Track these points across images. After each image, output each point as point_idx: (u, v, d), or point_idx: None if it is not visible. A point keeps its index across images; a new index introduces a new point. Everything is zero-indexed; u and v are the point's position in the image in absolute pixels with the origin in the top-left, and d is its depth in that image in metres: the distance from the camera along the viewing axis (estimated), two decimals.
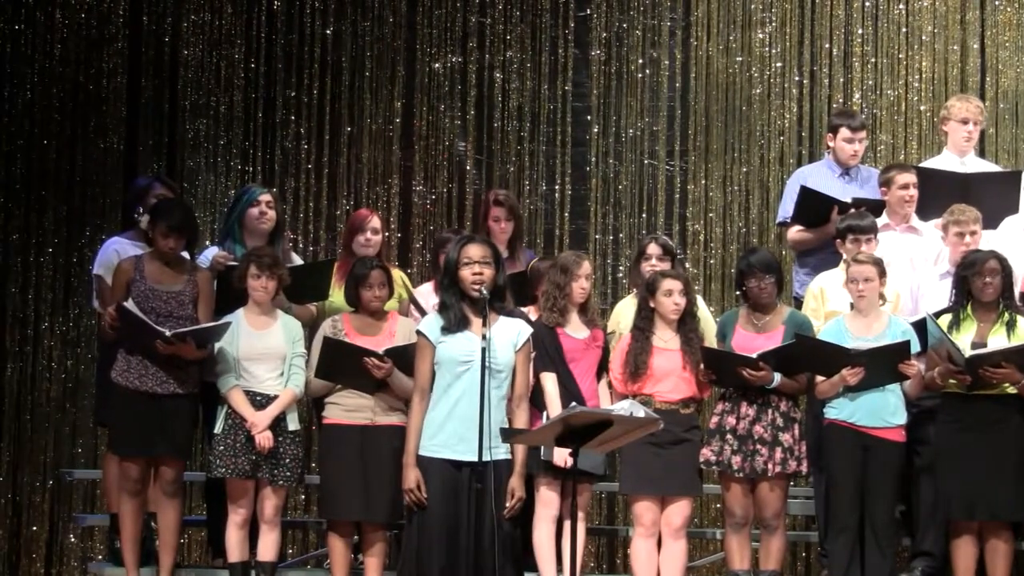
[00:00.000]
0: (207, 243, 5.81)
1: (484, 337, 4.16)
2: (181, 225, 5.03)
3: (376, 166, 7.05)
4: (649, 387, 4.96)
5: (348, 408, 4.96)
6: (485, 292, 4.23)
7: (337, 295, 5.33)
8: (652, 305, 5.03)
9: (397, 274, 5.45)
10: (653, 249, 5.30)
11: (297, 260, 5.59)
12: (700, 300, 5.39)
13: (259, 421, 4.89)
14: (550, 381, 4.90)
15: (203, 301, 5.07)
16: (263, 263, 4.96)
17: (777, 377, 4.90)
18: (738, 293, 5.21)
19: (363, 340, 4.97)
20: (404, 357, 4.81)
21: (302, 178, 7.04)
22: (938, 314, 4.94)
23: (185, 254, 5.16)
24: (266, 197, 5.37)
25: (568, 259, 5.07)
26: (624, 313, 5.30)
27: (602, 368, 5.06)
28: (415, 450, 4.29)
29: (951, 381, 4.89)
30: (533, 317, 5.05)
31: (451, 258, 4.35)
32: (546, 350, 4.89)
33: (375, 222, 5.49)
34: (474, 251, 4.33)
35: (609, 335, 5.25)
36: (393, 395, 4.96)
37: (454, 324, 4.30)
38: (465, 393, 4.25)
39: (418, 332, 4.39)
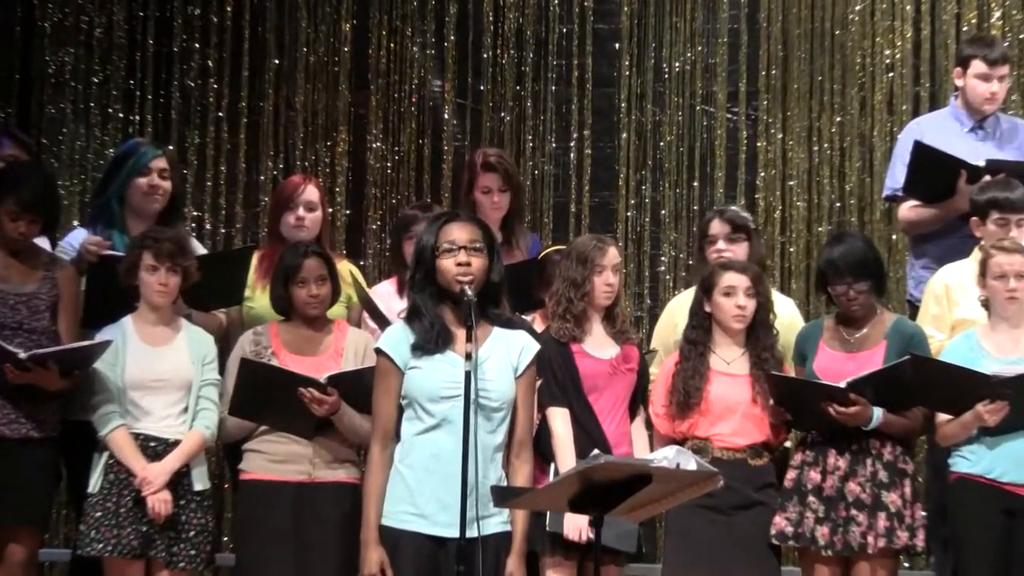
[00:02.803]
0: (74, 224, 5.87)
1: (469, 358, 4.12)
2: (36, 201, 5.01)
3: (315, 114, 7.03)
4: (705, 427, 4.97)
5: (276, 458, 4.97)
6: (471, 293, 4.19)
7: (260, 298, 5.33)
8: (708, 309, 5.05)
9: (345, 267, 5.44)
10: (718, 228, 5.31)
11: (199, 249, 5.52)
12: (783, 301, 5.41)
13: (153, 477, 4.88)
14: (560, 419, 4.89)
15: (66, 308, 5.06)
16: (163, 251, 4.93)
17: (878, 414, 4.91)
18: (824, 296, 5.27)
19: (298, 361, 4.98)
20: (357, 386, 4.81)
21: (210, 131, 7.01)
22: None
23: (42, 241, 5.16)
24: (159, 163, 5.36)
25: (587, 246, 5.06)
26: (681, 314, 5.30)
27: (637, 400, 5.06)
28: (376, 521, 4.26)
29: None
30: (539, 328, 5.04)
31: (425, 244, 4.31)
32: (555, 375, 4.90)
33: (311, 193, 5.48)
34: (459, 233, 4.28)
35: (648, 354, 5.27)
36: (340, 440, 4.98)
37: (430, 340, 4.26)
38: (448, 439, 4.22)
39: (378, 351, 4.34)
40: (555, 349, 4.91)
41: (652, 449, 4.86)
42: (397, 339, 4.31)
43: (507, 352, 4.32)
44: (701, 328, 5.06)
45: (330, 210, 5.99)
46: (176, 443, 4.95)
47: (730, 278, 5.02)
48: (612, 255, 5.04)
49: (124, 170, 5.34)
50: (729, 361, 5.04)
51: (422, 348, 4.26)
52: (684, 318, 5.23)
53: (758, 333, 5.05)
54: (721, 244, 5.32)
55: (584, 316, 4.98)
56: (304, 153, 7.04)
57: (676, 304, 5.57)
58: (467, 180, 5.73)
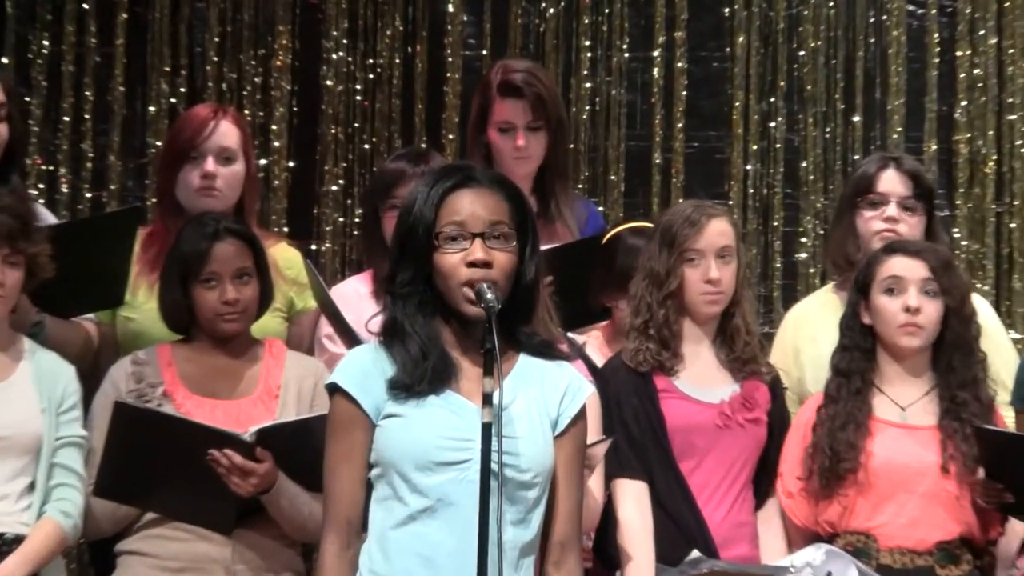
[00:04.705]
0: None
1: (489, 402, 3.94)
2: None
3: (238, 6, 7.08)
4: (866, 513, 4.95)
5: (173, 565, 4.97)
6: (493, 298, 4.00)
7: (144, 303, 5.37)
8: (868, 320, 5.03)
9: (284, 254, 5.54)
10: (888, 183, 5.36)
11: (49, 218, 5.55)
12: (987, 311, 5.46)
13: None
14: (634, 500, 4.94)
15: None
16: None
17: None
18: None
19: (206, 407, 5.02)
20: (302, 446, 4.76)
21: (68, 34, 7.03)
22: None
23: None
24: None
25: (677, 218, 5.07)
26: (806, 329, 5.47)
27: (769, 471, 5.09)
28: None
29: None
30: (599, 357, 5.12)
31: (416, 221, 4.14)
32: (627, 428, 4.97)
33: (226, 134, 5.47)
34: (472, 206, 4.12)
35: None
36: (276, 534, 5.00)
37: (420, 375, 4.11)
38: (447, 533, 4.08)
39: (332, 389, 4.16)
40: (629, 385, 4.94)
41: (789, 550, 4.92)
42: (364, 371, 4.14)
43: (541, 395, 4.17)
44: (858, 350, 5.02)
45: (261, 162, 6.24)
46: (18, 540, 4.94)
47: (895, 265, 4.97)
48: (715, 232, 4.99)
49: None
50: (904, 405, 5.02)
51: (406, 387, 4.09)
52: (811, 337, 5.39)
53: (951, 359, 4.99)
54: (893, 210, 5.26)
55: (675, 333, 4.98)
56: (219, 69, 7.06)
57: (800, 313, 5.62)
58: (477, 110, 5.68)
